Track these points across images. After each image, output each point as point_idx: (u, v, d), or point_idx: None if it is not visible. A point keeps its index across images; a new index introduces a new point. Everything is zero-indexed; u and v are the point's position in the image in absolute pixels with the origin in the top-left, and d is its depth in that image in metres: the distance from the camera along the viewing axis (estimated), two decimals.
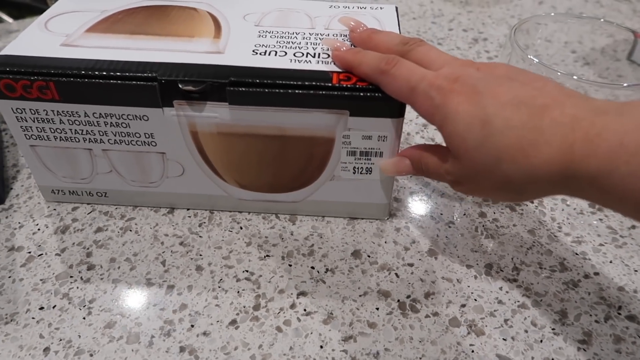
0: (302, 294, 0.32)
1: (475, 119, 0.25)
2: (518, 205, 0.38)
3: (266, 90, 0.30)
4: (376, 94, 0.30)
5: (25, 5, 0.82)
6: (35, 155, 0.34)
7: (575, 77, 0.35)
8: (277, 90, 0.30)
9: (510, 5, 0.68)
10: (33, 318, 0.30)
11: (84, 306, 0.31)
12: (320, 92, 0.30)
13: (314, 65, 0.31)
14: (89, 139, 0.33)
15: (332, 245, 0.35)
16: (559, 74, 0.36)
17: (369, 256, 0.34)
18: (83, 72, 0.30)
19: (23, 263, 0.33)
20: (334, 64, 0.31)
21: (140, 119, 0.32)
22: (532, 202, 0.39)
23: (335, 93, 0.30)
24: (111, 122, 0.32)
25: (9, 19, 0.79)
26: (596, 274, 0.34)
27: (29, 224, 0.36)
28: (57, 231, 0.35)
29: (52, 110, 0.32)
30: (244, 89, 0.30)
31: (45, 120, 0.32)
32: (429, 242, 0.35)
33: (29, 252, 0.34)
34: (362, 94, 0.30)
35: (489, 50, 0.58)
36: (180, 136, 0.33)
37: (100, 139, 0.33)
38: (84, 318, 0.30)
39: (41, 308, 0.31)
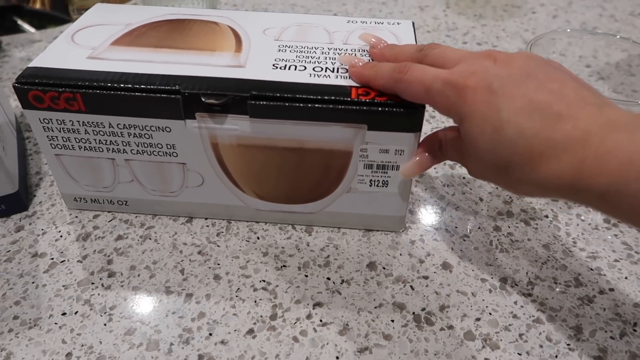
0: (318, 304, 0.32)
1: (489, 123, 0.26)
2: (532, 219, 0.39)
3: (286, 104, 0.31)
4: (394, 109, 0.31)
5: (45, 15, 0.84)
6: (59, 164, 0.35)
7: None
8: (296, 105, 0.31)
9: (525, 18, 0.69)
10: (56, 323, 0.31)
11: (105, 312, 0.31)
12: (339, 107, 0.31)
13: (333, 80, 0.32)
14: (113, 149, 0.34)
15: (347, 257, 0.35)
16: None
17: (384, 268, 0.35)
18: (109, 84, 0.31)
19: (46, 269, 0.34)
20: (352, 79, 0.32)
21: (163, 130, 0.33)
22: (547, 217, 0.39)
23: (354, 107, 0.31)
24: (134, 133, 0.33)
25: (31, 29, 0.80)
26: (611, 289, 0.34)
27: (52, 230, 0.37)
28: (78, 238, 0.36)
29: (78, 121, 0.33)
30: (264, 102, 0.31)
31: (71, 131, 0.33)
32: (444, 255, 0.36)
33: (52, 259, 0.35)
34: (380, 108, 0.31)
35: None
36: (201, 147, 0.33)
37: (123, 149, 0.34)
38: (105, 324, 0.31)
39: (63, 314, 0.31)
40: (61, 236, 0.36)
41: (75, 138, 0.34)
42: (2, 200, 0.36)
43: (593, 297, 0.33)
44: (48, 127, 0.33)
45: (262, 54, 0.34)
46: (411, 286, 0.34)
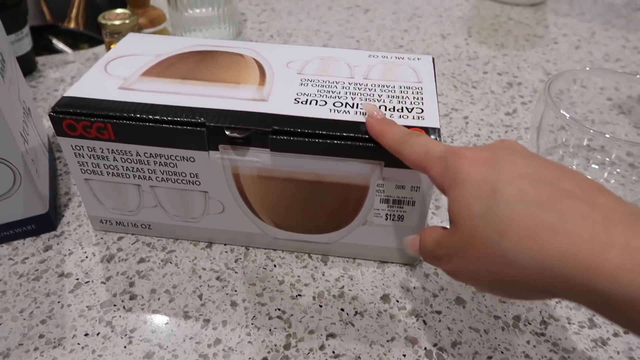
0: (331, 335, 0.33)
1: (486, 183, 0.23)
2: None
3: (306, 139, 0.32)
4: None
5: (79, 34, 0.88)
6: (88, 188, 0.37)
7: (607, 135, 0.36)
8: (316, 140, 0.32)
9: (547, 49, 0.69)
10: (78, 344, 0.32)
11: (125, 335, 0.33)
12: (357, 144, 0.32)
13: (352, 116, 0.33)
14: (139, 175, 0.36)
15: (362, 288, 0.36)
16: (591, 131, 0.36)
17: (397, 301, 0.35)
18: (138, 115, 0.33)
19: (71, 289, 0.35)
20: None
21: (187, 160, 0.34)
22: None
23: (372, 145, 0.32)
24: (160, 162, 0.35)
25: (67, 49, 0.84)
26: (626, 332, 0.34)
27: (78, 251, 0.38)
28: (103, 260, 0.38)
29: (108, 149, 0.34)
30: (285, 137, 0.32)
31: (100, 157, 0.35)
32: (457, 290, 0.36)
33: (77, 279, 0.36)
34: None
35: (523, 95, 0.59)
36: (222, 177, 0.35)
37: (149, 176, 0.35)
38: (125, 347, 0.32)
39: (86, 334, 0.33)
40: (87, 257, 0.38)
41: (104, 164, 0.35)
42: (32, 221, 0.38)
43: (607, 340, 0.33)
44: (79, 154, 0.35)
45: (285, 87, 0.36)
46: (424, 320, 0.34)
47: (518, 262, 0.21)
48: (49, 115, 0.33)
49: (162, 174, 0.35)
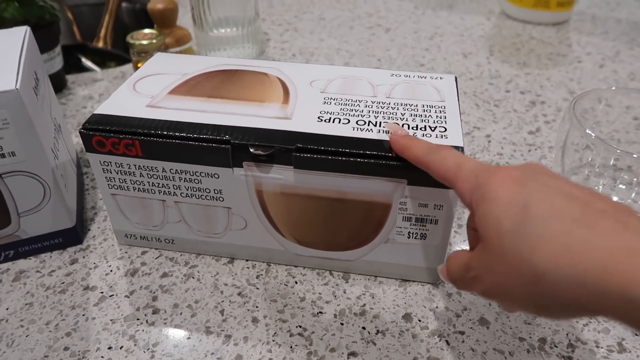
0: (352, 354, 0.33)
1: (517, 200, 0.23)
2: None
3: (329, 157, 0.32)
4: None
5: (107, 53, 0.90)
6: (114, 203, 0.38)
7: (635, 155, 0.35)
8: (339, 158, 0.32)
9: (570, 68, 0.68)
10: (102, 357, 0.32)
11: (148, 349, 0.33)
12: (380, 162, 0.32)
13: (375, 134, 0.33)
14: (164, 191, 0.36)
15: (383, 306, 0.36)
16: (618, 151, 0.36)
17: (419, 320, 0.35)
18: (165, 132, 0.33)
19: (96, 302, 0.36)
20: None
21: (212, 177, 0.35)
22: None
23: (395, 163, 0.32)
24: (185, 178, 0.35)
25: (95, 67, 0.86)
26: None
27: (103, 264, 0.39)
28: (127, 274, 0.38)
29: (135, 165, 0.35)
30: (308, 155, 0.32)
31: (127, 173, 0.36)
32: (481, 310, 0.36)
33: (102, 292, 0.37)
34: None
35: (546, 114, 0.58)
36: (246, 194, 0.35)
37: (174, 192, 0.36)
38: None
39: (109, 348, 0.33)
40: (111, 270, 0.38)
41: (130, 180, 0.36)
42: (60, 234, 0.39)
43: None
44: (107, 169, 0.36)
45: (308, 105, 0.36)
46: (447, 341, 0.34)
47: (550, 277, 0.21)
48: (80, 132, 0.34)
49: (187, 189, 0.36)
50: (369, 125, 0.34)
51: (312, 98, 0.37)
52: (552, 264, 0.21)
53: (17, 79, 0.33)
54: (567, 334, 0.34)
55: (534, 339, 0.34)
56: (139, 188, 0.36)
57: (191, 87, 0.38)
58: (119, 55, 0.89)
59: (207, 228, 0.38)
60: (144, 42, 0.57)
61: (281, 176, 0.34)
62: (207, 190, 0.36)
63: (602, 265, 0.20)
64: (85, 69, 0.87)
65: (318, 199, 0.34)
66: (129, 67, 0.69)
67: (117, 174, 0.36)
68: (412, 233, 0.35)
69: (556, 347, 0.33)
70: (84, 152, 0.52)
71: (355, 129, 0.34)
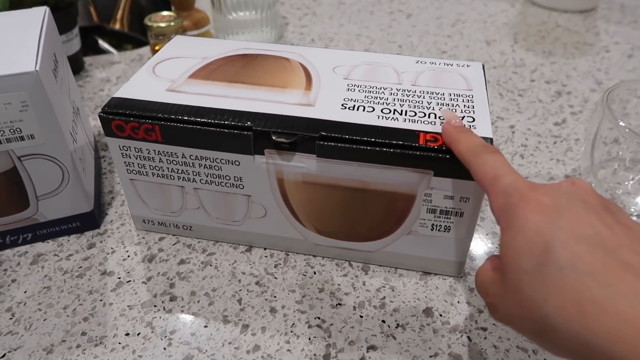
0: (372, 347, 0.32)
1: (541, 238, 0.22)
2: None
3: (353, 146, 0.31)
4: None
5: (124, 35, 0.90)
6: (133, 188, 0.37)
7: None
8: (364, 147, 0.31)
9: (597, 57, 0.66)
10: (119, 343, 0.32)
11: (165, 337, 0.33)
12: (407, 152, 0.31)
13: (401, 123, 0.32)
14: (183, 177, 0.36)
15: (403, 300, 0.35)
16: None
17: (440, 315, 0.34)
18: (185, 118, 0.33)
19: (113, 288, 0.36)
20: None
21: (232, 164, 0.34)
22: None
23: (421, 153, 0.31)
24: (205, 165, 0.34)
25: (112, 49, 0.86)
26: None
27: (120, 250, 0.39)
28: (144, 259, 0.38)
29: (154, 150, 0.34)
30: (332, 143, 0.31)
31: (147, 159, 0.35)
32: None
33: (119, 278, 0.36)
34: (448, 156, 0.30)
35: (572, 105, 0.57)
36: (266, 182, 0.34)
37: (193, 179, 0.35)
38: (165, 349, 0.32)
39: (127, 334, 0.33)
40: (128, 256, 0.38)
41: (150, 165, 0.35)
42: (77, 218, 0.39)
43: None
44: (126, 154, 0.35)
45: (332, 92, 0.35)
46: (468, 337, 0.33)
47: (560, 331, 0.20)
48: (99, 116, 0.33)
49: (207, 176, 0.35)
50: (394, 113, 0.33)
51: (336, 84, 0.36)
52: (563, 318, 0.20)
53: (36, 61, 0.32)
54: None
55: None
56: (158, 174, 0.36)
57: (211, 71, 0.37)
58: (136, 37, 0.89)
59: (226, 215, 0.37)
60: (162, 24, 0.56)
61: (303, 165, 0.33)
62: (227, 178, 0.35)
63: (611, 334, 0.19)
64: (102, 51, 0.87)
65: (340, 188, 0.34)
66: (146, 49, 0.68)
67: (136, 159, 0.35)
68: (436, 225, 0.34)
69: None
70: (101, 136, 0.51)
71: (380, 118, 0.33)
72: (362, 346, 0.32)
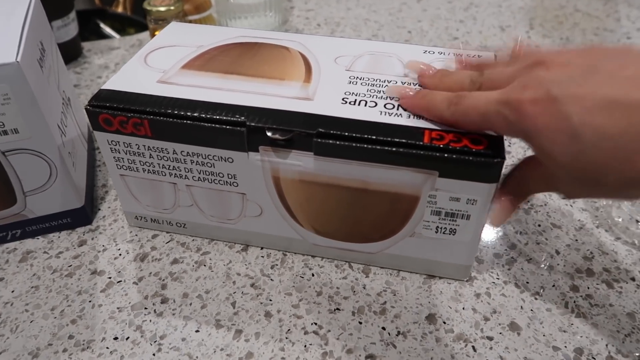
0: (370, 356, 0.30)
1: (560, 133, 0.23)
2: (616, 281, 0.35)
3: (353, 144, 0.29)
4: (470, 158, 0.28)
5: (126, 19, 0.87)
6: (123, 184, 0.36)
7: None
8: (364, 146, 0.29)
9: (618, 44, 0.63)
10: (107, 348, 0.31)
11: (155, 342, 0.31)
12: (410, 151, 0.29)
13: (405, 120, 0.30)
14: (175, 174, 0.34)
15: (405, 305, 0.33)
16: None
17: (444, 322, 0.32)
18: (175, 112, 0.31)
19: (103, 288, 0.34)
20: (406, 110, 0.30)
21: (225, 161, 0.32)
22: (634, 280, 0.35)
23: (426, 153, 0.29)
24: (197, 161, 0.33)
25: (114, 33, 0.84)
26: None
27: (112, 248, 0.37)
28: (136, 258, 0.36)
29: (144, 145, 0.33)
30: (331, 141, 0.29)
31: (136, 154, 0.33)
32: (512, 314, 0.33)
33: (109, 278, 0.35)
34: (454, 155, 0.28)
35: None
36: (262, 180, 0.33)
37: (185, 175, 0.34)
38: (154, 354, 0.30)
39: (115, 338, 0.31)
40: (120, 254, 0.37)
41: (140, 161, 0.34)
42: (68, 214, 0.37)
43: None
44: (115, 149, 0.33)
45: (332, 85, 0.33)
46: (473, 347, 0.31)
47: (626, 186, 0.23)
48: (86, 109, 0.32)
49: (199, 173, 0.33)
50: (398, 109, 0.31)
51: (337, 77, 0.34)
52: (623, 177, 0.22)
53: (18, 51, 0.30)
54: (606, 345, 0.31)
55: (570, 348, 0.31)
56: (148, 170, 0.34)
57: (206, 61, 0.35)
58: (139, 21, 0.86)
59: (221, 213, 0.36)
60: (162, 8, 0.54)
61: (300, 163, 0.31)
62: (221, 175, 0.33)
63: None
64: (104, 35, 0.85)
65: (340, 188, 0.32)
66: (147, 34, 0.66)
67: (126, 154, 0.34)
68: (441, 228, 0.32)
69: (594, 358, 0.30)
70: None
71: (383, 114, 0.31)
72: (360, 355, 0.31)
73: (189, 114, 0.31)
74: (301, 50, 0.37)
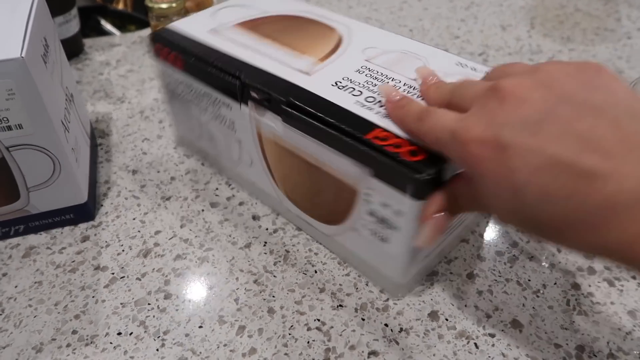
0: (373, 353, 0.31)
1: (503, 188, 0.22)
2: (618, 279, 0.35)
3: (309, 120, 0.30)
4: (398, 163, 0.27)
5: (127, 16, 0.87)
6: (171, 106, 0.42)
7: None
8: (316, 124, 0.30)
9: (619, 44, 0.63)
10: (111, 343, 0.31)
11: (158, 337, 0.31)
12: (349, 141, 0.28)
13: (372, 115, 0.29)
14: (200, 108, 0.39)
15: (408, 302, 0.33)
16: None
17: (447, 319, 0.32)
18: (199, 55, 0.36)
19: (106, 284, 0.34)
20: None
21: (227, 107, 0.36)
22: (635, 279, 0.35)
23: (360, 147, 0.28)
24: (209, 101, 0.37)
25: (114, 30, 0.84)
26: None
27: (115, 243, 0.37)
28: (139, 254, 0.36)
29: (177, 78, 0.39)
30: (295, 112, 0.31)
31: (174, 83, 0.39)
32: (514, 311, 0.33)
33: (113, 274, 0.35)
34: (384, 158, 0.27)
35: None
36: (250, 132, 0.36)
37: (204, 112, 0.38)
38: (157, 350, 0.31)
39: (119, 333, 0.31)
40: (123, 250, 0.37)
41: (180, 90, 0.39)
42: (71, 210, 0.37)
43: None
44: (165, 74, 0.40)
45: (339, 69, 0.33)
46: (475, 344, 0.31)
47: (562, 245, 0.22)
48: (149, 36, 0.38)
49: (212, 112, 0.38)
50: (376, 104, 0.30)
51: (351, 63, 0.34)
52: (560, 239, 0.22)
53: (23, 46, 0.30)
54: (607, 343, 0.31)
55: (571, 346, 0.31)
56: (184, 99, 0.39)
57: (258, 24, 0.39)
58: (139, 18, 0.86)
59: (227, 154, 0.40)
60: (164, 5, 0.54)
61: (273, 124, 0.33)
62: (224, 119, 0.37)
63: (594, 239, 0.20)
64: (105, 32, 0.85)
65: (301, 159, 0.33)
66: (148, 31, 0.66)
67: (169, 82, 0.39)
68: (374, 231, 0.31)
69: (595, 356, 0.31)
70: (98, 122, 0.50)
71: (357, 104, 0.30)
72: (363, 351, 0.31)
73: (207, 59, 0.35)
74: (343, 34, 0.37)
